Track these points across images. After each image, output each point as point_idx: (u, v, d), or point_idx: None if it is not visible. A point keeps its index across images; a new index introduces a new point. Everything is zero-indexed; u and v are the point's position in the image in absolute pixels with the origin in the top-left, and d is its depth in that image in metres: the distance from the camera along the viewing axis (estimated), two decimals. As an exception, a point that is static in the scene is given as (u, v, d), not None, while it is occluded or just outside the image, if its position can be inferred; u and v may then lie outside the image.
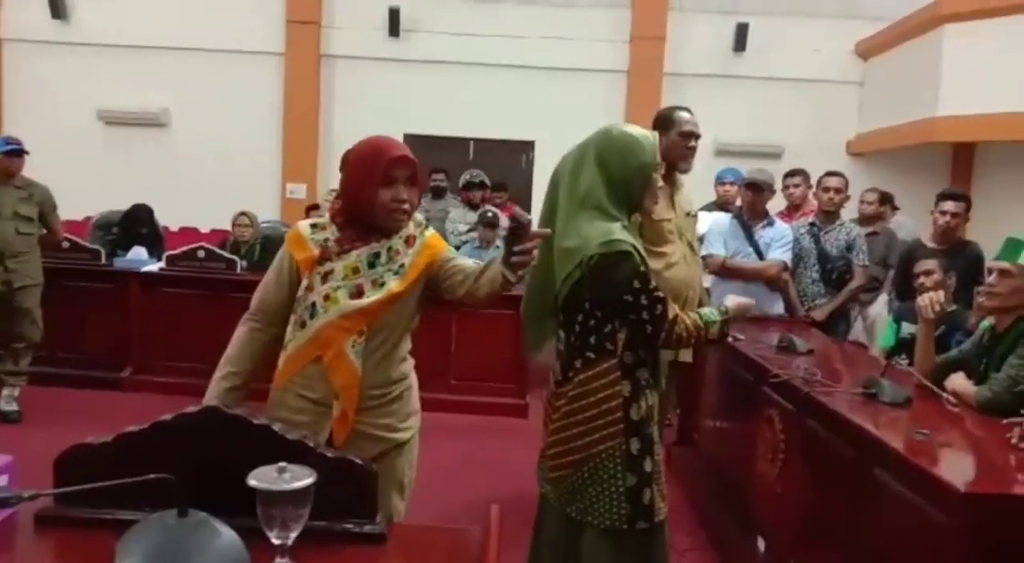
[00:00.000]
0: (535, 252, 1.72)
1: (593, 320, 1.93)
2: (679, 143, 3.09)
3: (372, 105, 8.58)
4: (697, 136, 3.14)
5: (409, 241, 1.96)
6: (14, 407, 4.44)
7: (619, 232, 1.90)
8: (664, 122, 3.14)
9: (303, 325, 1.91)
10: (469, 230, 5.87)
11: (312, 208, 6.22)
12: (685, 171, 3.16)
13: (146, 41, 8.46)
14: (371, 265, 1.90)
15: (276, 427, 1.36)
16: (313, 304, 1.90)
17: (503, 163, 8.63)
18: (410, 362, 2.08)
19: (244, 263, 5.19)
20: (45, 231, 4.53)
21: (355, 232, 1.91)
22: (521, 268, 1.71)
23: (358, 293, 1.89)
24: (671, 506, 2.08)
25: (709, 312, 2.05)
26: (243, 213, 5.60)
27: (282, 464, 1.12)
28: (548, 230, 1.87)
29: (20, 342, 4.44)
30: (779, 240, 4.04)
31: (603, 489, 1.93)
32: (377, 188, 1.85)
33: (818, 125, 8.45)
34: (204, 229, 7.97)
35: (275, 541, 1.11)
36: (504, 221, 5.91)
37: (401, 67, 8.61)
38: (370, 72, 8.66)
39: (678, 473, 3.80)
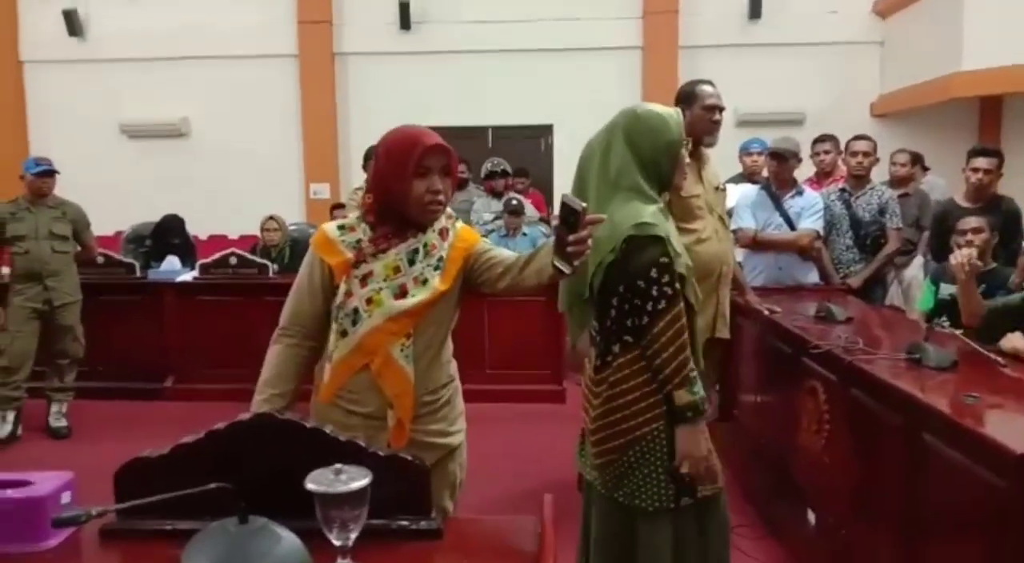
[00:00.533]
0: (590, 241, 1.60)
1: (627, 304, 1.91)
2: (703, 117, 3.05)
3: (388, 100, 8.58)
4: (721, 109, 3.09)
5: (443, 234, 1.87)
6: (63, 423, 4.53)
7: (651, 215, 1.90)
8: (687, 97, 3.10)
9: (345, 333, 1.81)
10: (495, 219, 5.86)
11: (337, 207, 6.24)
12: (711, 145, 3.12)
13: (161, 53, 8.54)
14: (411, 262, 1.81)
15: (328, 429, 1.37)
16: (355, 310, 1.80)
17: (522, 149, 8.61)
18: (454, 363, 2.01)
19: (275, 267, 5.23)
20: (80, 248, 4.60)
21: (389, 228, 1.81)
22: (577, 258, 1.59)
23: (402, 293, 1.80)
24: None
25: (700, 389, 1.92)
26: (271, 217, 5.65)
27: (338, 466, 1.13)
28: (603, 215, 1.71)
29: (64, 359, 4.53)
30: (809, 209, 3.98)
31: (650, 471, 1.94)
32: (411, 180, 1.75)
33: (840, 89, 8.32)
34: (233, 235, 8.05)
35: (335, 542, 1.12)
36: (529, 209, 5.90)
37: (414, 60, 8.61)
38: (384, 67, 8.67)
39: (721, 450, 3.77)
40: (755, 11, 8.30)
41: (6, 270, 4.57)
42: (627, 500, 1.97)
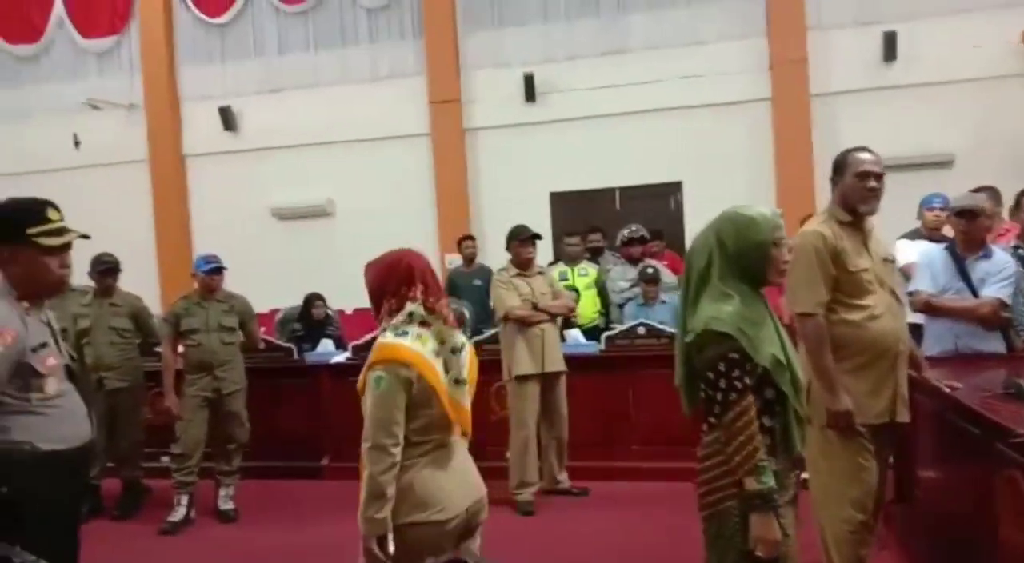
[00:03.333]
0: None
1: (705, 392, 2.06)
2: (856, 185, 2.90)
3: (516, 169, 8.82)
4: (878, 175, 2.93)
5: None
6: (231, 506, 4.75)
7: (726, 313, 2.02)
8: (838, 166, 2.98)
9: None
10: (631, 287, 5.80)
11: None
12: (869, 214, 2.96)
13: (305, 140, 9.17)
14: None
15: None
16: None
17: (652, 208, 8.55)
18: None
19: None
20: (245, 338, 4.89)
21: None
22: None
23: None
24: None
25: (769, 479, 1.99)
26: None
27: None
28: None
29: (231, 443, 4.78)
30: (996, 274, 3.62)
31: (724, 547, 2.07)
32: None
33: (988, 126, 7.82)
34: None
35: None
36: (666, 274, 5.79)
37: (540, 129, 8.81)
38: (511, 138, 8.92)
39: (900, 533, 3.51)
40: (890, 53, 7.99)
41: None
42: None
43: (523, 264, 4.66)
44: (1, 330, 2.14)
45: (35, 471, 2.17)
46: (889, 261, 2.97)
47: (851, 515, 2.78)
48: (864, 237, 2.90)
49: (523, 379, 4.49)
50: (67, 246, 2.31)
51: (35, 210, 2.26)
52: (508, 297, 4.56)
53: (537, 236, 4.69)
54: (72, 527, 2.34)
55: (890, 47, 7.96)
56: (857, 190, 2.89)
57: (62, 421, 2.27)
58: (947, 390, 3.08)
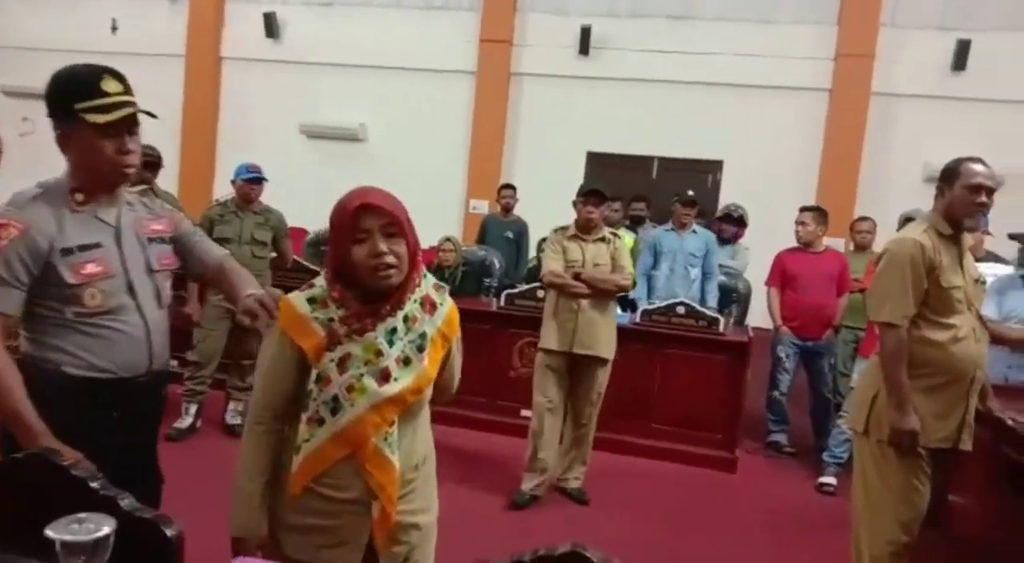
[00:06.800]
0: None
1: None
2: (965, 198, 2.73)
3: (556, 123, 8.59)
4: (990, 190, 2.76)
5: (427, 305, 1.69)
6: (239, 421, 4.66)
7: None
8: (947, 174, 2.82)
9: (322, 422, 1.62)
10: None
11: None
12: (973, 229, 2.84)
13: (348, 59, 8.87)
14: (390, 342, 1.63)
15: (93, 480, 1.34)
16: (335, 398, 1.61)
17: (688, 182, 8.29)
18: (430, 430, 1.83)
19: (447, 288, 5.22)
20: (276, 255, 4.74)
21: (361, 305, 1.62)
22: None
23: (385, 377, 1.62)
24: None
25: None
26: (448, 238, 5.67)
27: (82, 515, 1.12)
28: None
29: (247, 359, 4.67)
30: None
31: None
32: (350, 245, 1.59)
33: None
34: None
35: None
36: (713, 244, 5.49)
37: (588, 85, 8.56)
38: (557, 90, 8.67)
39: (924, 558, 3.41)
40: (960, 62, 7.75)
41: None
42: None
43: (583, 225, 4.02)
44: (7, 222, 1.74)
45: (61, 398, 1.77)
46: (980, 282, 2.84)
47: (897, 537, 2.70)
48: (961, 253, 2.76)
49: (546, 353, 3.99)
50: (123, 125, 1.80)
51: (86, 80, 1.79)
52: (551, 260, 4.01)
53: (599, 193, 3.97)
54: (122, 466, 1.72)
55: (961, 56, 7.70)
56: (966, 203, 2.72)
57: (106, 344, 1.84)
58: (1010, 422, 2.98)
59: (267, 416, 1.68)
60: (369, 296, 1.62)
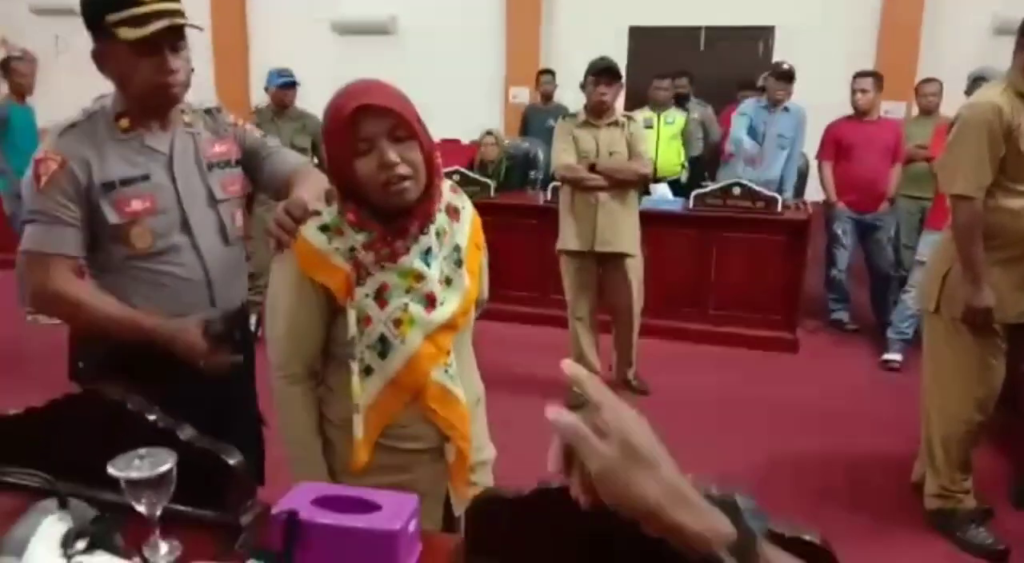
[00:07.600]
0: None
1: None
2: None
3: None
4: None
5: (452, 213, 1.48)
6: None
7: None
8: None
9: (370, 371, 1.42)
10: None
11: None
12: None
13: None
14: (427, 263, 1.41)
15: (153, 415, 1.30)
16: (381, 338, 1.40)
17: (738, 52, 7.94)
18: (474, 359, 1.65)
19: (492, 184, 5.13)
20: (316, 161, 4.67)
21: (385, 227, 1.37)
22: None
23: (431, 303, 1.42)
24: None
25: None
26: (489, 132, 5.53)
27: (143, 450, 1.11)
28: None
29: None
30: None
31: None
32: (351, 158, 1.33)
33: None
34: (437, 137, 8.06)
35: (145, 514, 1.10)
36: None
37: (627, -45, 8.02)
38: (595, -41, 8.15)
39: (998, 434, 3.32)
40: None
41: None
42: None
43: (595, 108, 3.68)
44: (44, 156, 1.57)
45: (108, 349, 1.64)
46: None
47: (971, 416, 2.63)
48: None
49: (568, 254, 3.78)
50: (162, 40, 1.56)
51: None
52: (562, 152, 3.69)
53: (611, 71, 3.61)
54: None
55: None
56: None
57: (159, 290, 1.67)
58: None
59: (302, 373, 1.47)
60: (389, 213, 1.38)
